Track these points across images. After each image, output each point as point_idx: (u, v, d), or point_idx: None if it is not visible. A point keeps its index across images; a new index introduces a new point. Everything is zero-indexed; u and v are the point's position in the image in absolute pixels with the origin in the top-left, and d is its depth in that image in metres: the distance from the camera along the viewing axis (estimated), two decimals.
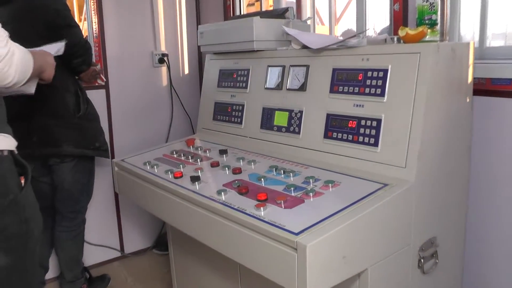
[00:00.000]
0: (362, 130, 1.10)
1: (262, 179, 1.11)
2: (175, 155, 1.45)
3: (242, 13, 2.03)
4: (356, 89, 1.12)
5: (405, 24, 1.33)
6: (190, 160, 1.37)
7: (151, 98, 2.16)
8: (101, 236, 2.10)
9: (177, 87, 2.22)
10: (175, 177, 1.23)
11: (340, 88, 1.16)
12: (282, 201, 0.96)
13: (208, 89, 1.65)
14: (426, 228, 1.06)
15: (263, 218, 0.91)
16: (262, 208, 0.94)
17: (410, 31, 1.06)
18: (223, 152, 1.36)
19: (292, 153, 1.26)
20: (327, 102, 1.19)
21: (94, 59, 1.90)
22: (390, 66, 1.06)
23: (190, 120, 2.26)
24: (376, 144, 1.07)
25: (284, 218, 0.90)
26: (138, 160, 1.45)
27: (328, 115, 1.18)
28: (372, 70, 1.09)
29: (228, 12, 2.07)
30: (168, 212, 1.22)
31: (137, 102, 2.13)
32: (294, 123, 1.28)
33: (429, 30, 1.11)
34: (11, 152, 0.91)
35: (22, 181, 0.92)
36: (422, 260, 1.04)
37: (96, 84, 1.98)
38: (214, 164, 1.28)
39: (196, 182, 1.15)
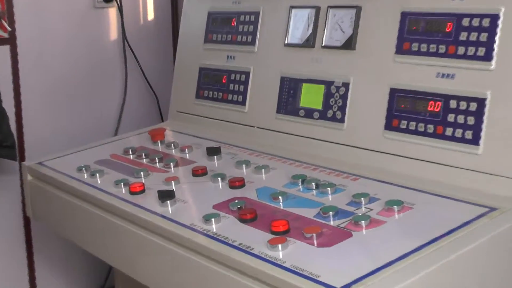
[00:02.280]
0: (451, 117, 1.10)
1: (280, 197, 1.12)
2: (131, 156, 1.46)
3: None
4: (442, 48, 1.13)
5: None
6: (158, 164, 1.38)
7: (90, 61, 2.15)
8: None
9: (134, 43, 2.20)
10: (132, 193, 1.24)
11: (414, 46, 1.17)
12: (314, 235, 0.96)
13: (188, 45, 1.65)
14: None
15: (281, 262, 0.91)
16: (280, 245, 0.94)
17: None
18: (213, 151, 1.37)
19: (331, 155, 1.27)
20: (391, 69, 1.20)
21: None
22: (502, 10, 1.06)
23: (156, 99, 2.25)
24: (475, 140, 1.07)
25: (318, 264, 0.90)
26: (67, 163, 1.46)
27: (392, 92, 1.19)
28: (470, 16, 1.09)
29: None
30: (117, 251, 1.23)
31: (66, 67, 2.11)
32: (334, 104, 1.29)
33: None
34: None
35: None
36: None
37: None
38: (199, 172, 1.29)
39: (168, 201, 1.16)
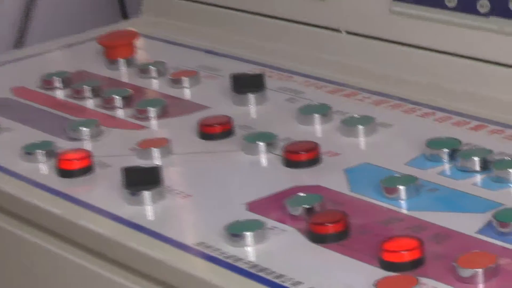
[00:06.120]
0: None
1: (401, 188, 0.95)
2: (58, 93, 1.36)
3: None
4: None
5: None
6: (120, 111, 1.25)
7: None
8: None
9: None
10: (63, 172, 1.08)
11: None
12: (480, 272, 0.78)
13: None
14: None
15: None
16: None
17: None
18: (248, 84, 1.25)
19: None
20: None
21: None
22: None
23: None
24: None
25: None
26: None
27: None
28: None
29: None
30: None
31: None
32: None
33: None
34: None
35: None
36: None
37: None
38: (215, 130, 1.15)
39: (145, 194, 0.99)
